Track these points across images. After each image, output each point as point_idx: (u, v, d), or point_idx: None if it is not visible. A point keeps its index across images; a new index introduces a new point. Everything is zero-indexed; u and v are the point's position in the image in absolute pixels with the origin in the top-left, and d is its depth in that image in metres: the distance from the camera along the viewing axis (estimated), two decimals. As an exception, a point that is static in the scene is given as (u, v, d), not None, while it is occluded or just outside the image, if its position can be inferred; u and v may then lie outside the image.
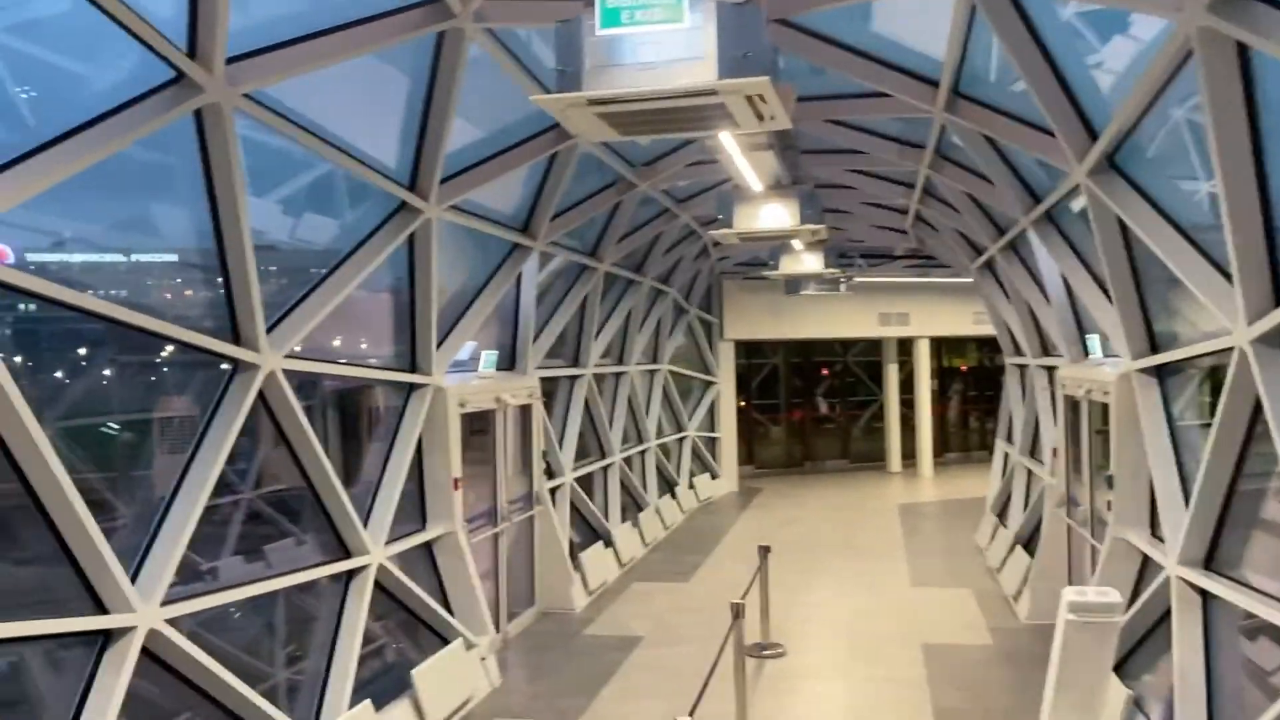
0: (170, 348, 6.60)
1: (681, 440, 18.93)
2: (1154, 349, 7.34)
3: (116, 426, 7.70)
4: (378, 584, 7.60)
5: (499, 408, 9.98)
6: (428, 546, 8.78)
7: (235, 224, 5.67)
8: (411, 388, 8.55)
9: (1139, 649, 7.13)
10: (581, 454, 13.64)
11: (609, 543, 13.02)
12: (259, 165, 8.27)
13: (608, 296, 14.29)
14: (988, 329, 22.03)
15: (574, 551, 11.84)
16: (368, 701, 6.72)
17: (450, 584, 8.80)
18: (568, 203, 10.38)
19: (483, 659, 8.60)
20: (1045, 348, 12.08)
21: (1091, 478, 8.90)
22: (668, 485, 17.29)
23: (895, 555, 13.79)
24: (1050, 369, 11.84)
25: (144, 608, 5.16)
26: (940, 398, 24.69)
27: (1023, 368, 14.09)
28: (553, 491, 11.88)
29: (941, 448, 24.48)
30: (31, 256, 6.05)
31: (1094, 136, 6.34)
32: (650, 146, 10.44)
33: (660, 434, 17.60)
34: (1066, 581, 9.97)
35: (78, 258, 6.82)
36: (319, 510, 7.18)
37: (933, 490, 20.37)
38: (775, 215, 8.95)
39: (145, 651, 5.22)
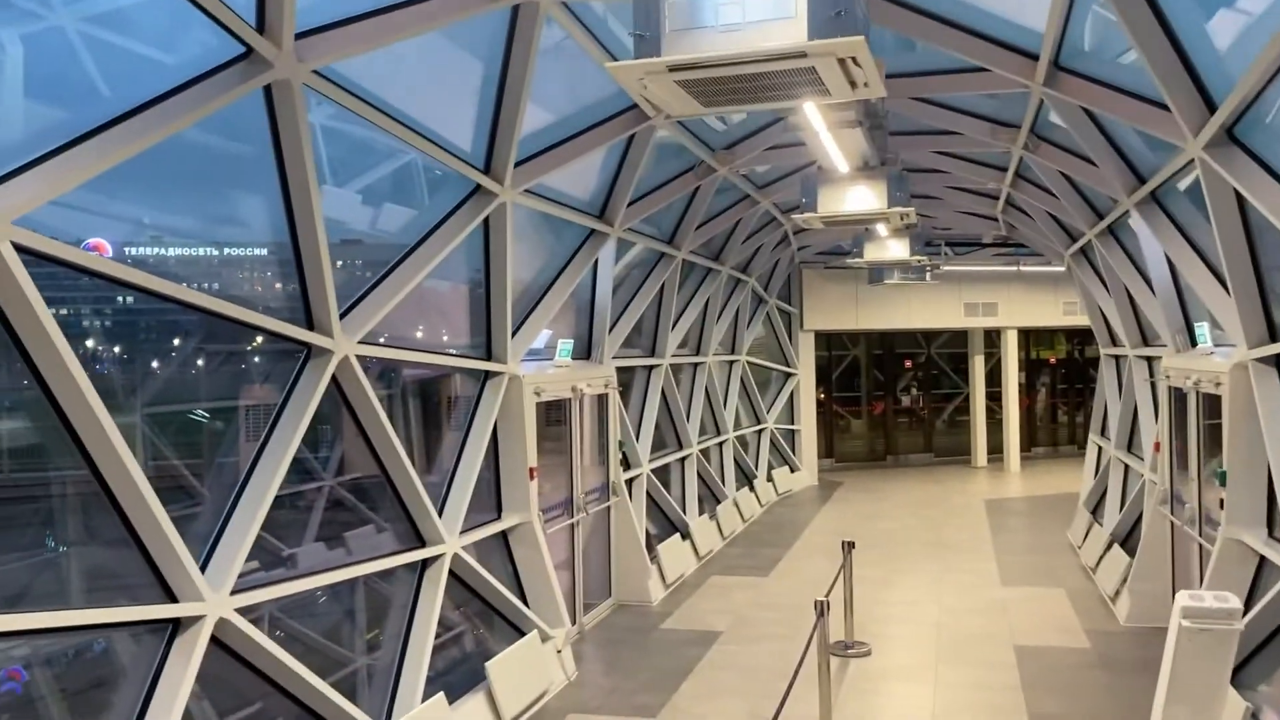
0: (259, 338, 6.58)
1: (760, 432, 18.61)
2: (1273, 337, 6.84)
3: (205, 414, 7.74)
4: (452, 573, 7.49)
5: (574, 397, 9.81)
6: (503, 536, 8.66)
7: (307, 204, 5.56)
8: (487, 376, 8.42)
9: (1255, 657, 6.65)
10: (658, 445, 13.44)
11: (686, 535, 12.80)
12: (339, 155, 8.25)
13: (685, 285, 14.05)
14: (1078, 320, 21.38)
15: (651, 544, 11.65)
16: (440, 695, 6.61)
17: (526, 574, 8.67)
18: (645, 188, 10.16)
19: (558, 651, 8.45)
20: (1145, 338, 11.50)
21: (1199, 474, 8.40)
22: (746, 478, 17.00)
23: (983, 552, 13.31)
24: (1151, 360, 11.28)
25: (213, 596, 5.08)
26: (1027, 391, 23.92)
27: (1119, 359, 13.49)
28: (629, 483, 11.70)
29: (1029, 442, 23.73)
30: (129, 250, 6.15)
31: (1212, 108, 5.89)
32: (730, 130, 10.18)
33: (738, 426, 17.31)
34: (1169, 583, 9.46)
35: (173, 251, 6.86)
36: (395, 498, 7.09)
37: (1020, 486, 19.71)
38: (862, 198, 8.58)
39: (215, 640, 5.15)
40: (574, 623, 9.76)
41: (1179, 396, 9.02)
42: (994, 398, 22.47)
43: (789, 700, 7.62)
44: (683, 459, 14.00)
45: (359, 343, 6.33)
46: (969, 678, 8.32)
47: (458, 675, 7.55)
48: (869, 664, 8.76)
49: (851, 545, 9.18)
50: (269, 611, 7.11)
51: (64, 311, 5.47)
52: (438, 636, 8.08)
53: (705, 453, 15.05)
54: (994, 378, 22.64)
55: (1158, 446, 9.62)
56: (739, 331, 17.35)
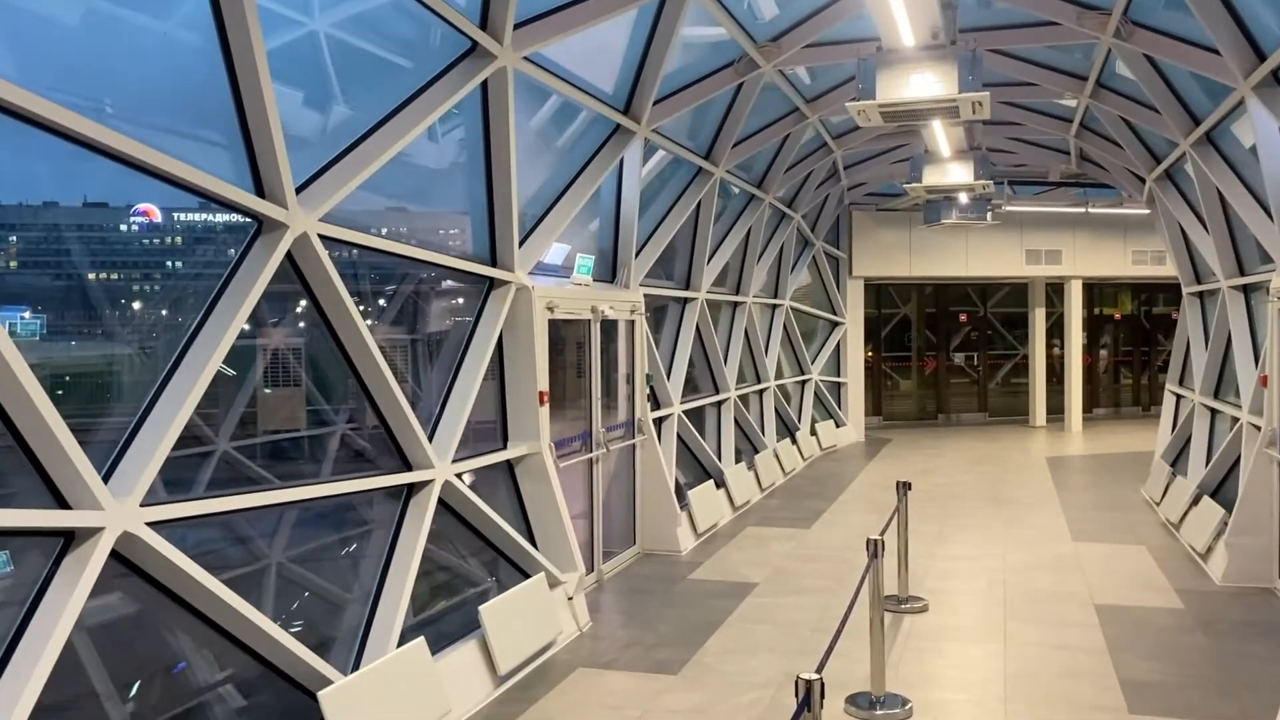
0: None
1: (804, 384, 17.42)
2: None
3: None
4: (445, 505, 6.47)
5: (594, 319, 8.72)
6: (509, 469, 7.63)
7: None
8: (490, 284, 7.36)
9: None
10: (692, 389, 12.35)
11: (721, 483, 11.71)
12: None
13: (725, 215, 12.89)
14: (1147, 270, 19.92)
15: (681, 491, 10.58)
16: (420, 640, 5.59)
17: (534, 512, 7.63)
18: (676, 84, 9.00)
19: (569, 599, 7.42)
20: (1241, 266, 10.16)
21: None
22: (787, 430, 15.84)
23: (1049, 508, 12.07)
24: (1249, 288, 9.96)
25: (116, 506, 4.06)
26: (1090, 349, 22.44)
27: (1204, 297, 12.14)
28: (658, 423, 10.63)
29: (1090, 403, 22.28)
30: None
31: None
32: (776, 20, 8.96)
33: (780, 375, 16.14)
34: (1276, 535, 8.22)
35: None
36: (375, 414, 6.06)
37: (1084, 445, 18.35)
38: (929, 82, 7.34)
39: (125, 562, 4.18)
40: (591, 570, 8.73)
41: (1296, 318, 7.74)
42: (1056, 360, 21.12)
43: (833, 657, 6.55)
44: (719, 404, 12.89)
45: (321, 221, 5.28)
46: (1045, 637, 7.16)
47: (455, 625, 6.56)
48: (926, 620, 7.64)
49: (907, 486, 8.04)
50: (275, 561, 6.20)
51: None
52: (434, 582, 7.16)
53: (744, 400, 13.93)
54: (1054, 335, 21.27)
55: (1265, 380, 8.34)
56: (782, 274, 16.13)
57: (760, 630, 7.42)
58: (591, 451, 8.75)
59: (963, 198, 15.21)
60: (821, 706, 3.64)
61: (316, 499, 5.72)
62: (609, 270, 9.65)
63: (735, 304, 13.92)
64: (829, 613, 7.66)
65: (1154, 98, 9.21)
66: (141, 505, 4.18)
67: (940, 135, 10.68)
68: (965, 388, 22.90)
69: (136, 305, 5.97)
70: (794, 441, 15.69)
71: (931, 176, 11.83)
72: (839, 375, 18.99)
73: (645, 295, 10.05)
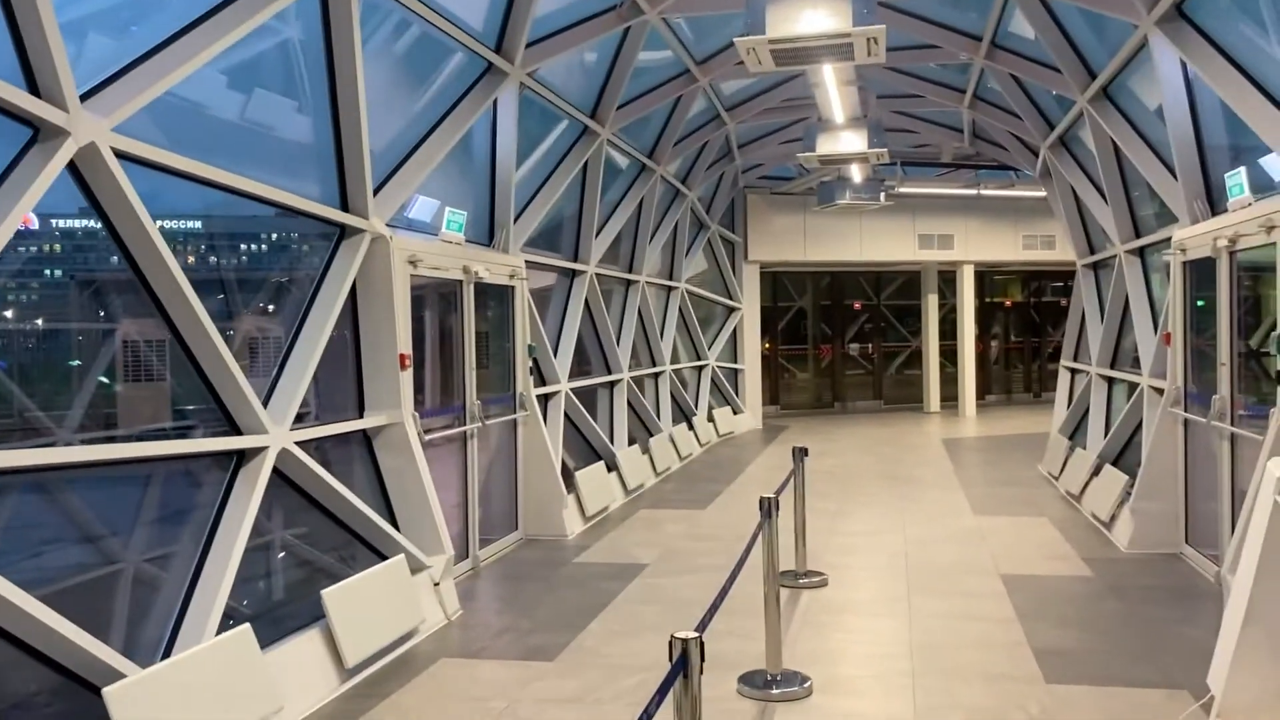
0: None
1: (700, 369, 16.90)
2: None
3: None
4: (282, 477, 5.65)
5: (467, 280, 7.96)
6: (366, 442, 6.82)
7: None
8: (342, 233, 6.55)
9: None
10: (582, 370, 11.67)
11: (612, 466, 11.05)
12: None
13: (614, 185, 12.25)
14: (1038, 254, 20.01)
15: (569, 474, 9.88)
16: (244, 629, 4.76)
17: (395, 489, 6.84)
18: (555, 26, 8.32)
19: (436, 584, 6.65)
20: (1137, 230, 9.95)
21: (1233, 355, 6.83)
22: (684, 416, 15.28)
23: (949, 485, 11.75)
24: (1144, 250, 9.75)
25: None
26: (981, 337, 22.49)
27: (1099, 267, 11.99)
28: (544, 401, 9.91)
29: (983, 390, 22.33)
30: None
31: None
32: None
33: (676, 360, 15.57)
34: (1181, 499, 7.93)
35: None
36: (193, 369, 5.21)
37: (978, 428, 18.26)
38: (820, 18, 6.86)
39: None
40: (466, 557, 7.97)
41: (1200, 270, 7.45)
42: (948, 347, 21.08)
43: (726, 635, 5.97)
44: (611, 384, 12.23)
45: (114, 131, 4.43)
46: (952, 609, 6.67)
47: (294, 610, 5.74)
48: (826, 595, 7.09)
49: (804, 452, 7.49)
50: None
51: None
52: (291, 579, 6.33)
53: (638, 384, 13.30)
54: (947, 324, 21.27)
55: (1168, 339, 8.05)
56: (677, 255, 15.58)
57: (648, 611, 6.77)
58: (465, 425, 7.98)
59: (856, 176, 14.99)
60: (701, 672, 2.99)
61: (129, 460, 4.85)
62: (486, 233, 8.90)
63: (628, 283, 13.29)
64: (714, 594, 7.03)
65: (1052, 52, 8.90)
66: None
67: (834, 96, 10.24)
68: (860, 377, 22.79)
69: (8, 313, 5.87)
70: (690, 427, 15.13)
71: (826, 145, 11.39)
72: (736, 362, 18.54)
73: (529, 265, 9.34)
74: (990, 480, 12.17)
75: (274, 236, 7.12)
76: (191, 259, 6.32)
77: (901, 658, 5.76)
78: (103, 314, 6.05)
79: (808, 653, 5.84)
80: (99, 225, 4.69)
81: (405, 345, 6.86)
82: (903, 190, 17.95)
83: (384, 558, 6.31)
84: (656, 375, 14.33)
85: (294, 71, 6.63)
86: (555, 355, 10.35)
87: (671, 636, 3.00)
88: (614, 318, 12.81)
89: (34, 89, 4.14)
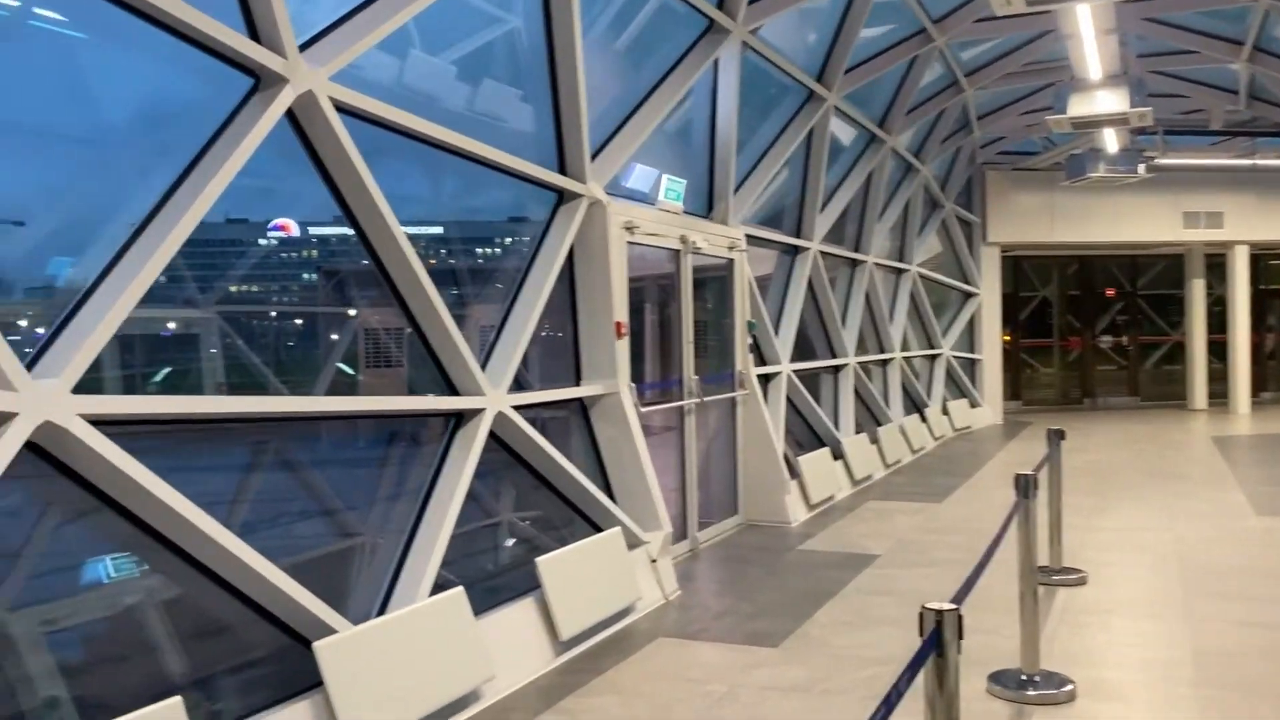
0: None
1: (934, 359, 15.93)
2: None
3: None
4: (499, 441, 5.52)
5: (684, 250, 7.66)
6: (583, 412, 6.63)
7: None
8: (560, 198, 6.39)
9: None
10: (806, 354, 11.15)
11: (838, 454, 10.47)
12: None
13: (839, 158, 11.66)
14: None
15: (792, 462, 9.40)
16: (458, 591, 4.62)
17: (611, 461, 6.61)
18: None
19: (653, 561, 6.36)
20: None
21: None
22: (915, 407, 14.42)
23: (1224, 483, 10.42)
24: None
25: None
26: (1256, 327, 20.14)
27: None
28: (765, 382, 9.49)
29: (1257, 386, 19.97)
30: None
31: None
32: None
33: (907, 347, 14.73)
34: None
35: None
36: (419, 337, 5.15)
37: (1253, 426, 16.29)
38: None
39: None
40: (685, 537, 7.66)
41: None
42: (1217, 340, 18.98)
43: (971, 632, 5.33)
44: (836, 369, 11.64)
45: (331, 80, 4.38)
46: (1236, 614, 5.75)
47: (510, 581, 5.59)
48: (1086, 594, 6.30)
49: (1060, 434, 6.70)
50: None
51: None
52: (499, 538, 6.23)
53: (866, 370, 12.62)
54: (1215, 314, 19.17)
55: None
56: (909, 236, 14.71)
57: (881, 602, 6.22)
58: (681, 400, 7.67)
59: (1111, 145, 13.66)
60: (959, 650, 2.50)
61: (351, 415, 4.84)
62: (705, 204, 8.57)
63: (855, 263, 12.63)
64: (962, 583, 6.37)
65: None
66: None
67: (1089, 48, 9.27)
68: (1113, 372, 20.95)
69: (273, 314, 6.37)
70: (923, 419, 14.25)
71: (1079, 106, 10.37)
72: (973, 352, 17.41)
73: (749, 240, 8.94)
74: (1276, 479, 10.71)
75: (508, 240, 7.15)
76: (433, 261, 6.43)
77: (1179, 664, 4.96)
78: (347, 306, 6.20)
79: (1067, 653, 5.13)
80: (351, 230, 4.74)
81: (622, 313, 6.62)
82: (1165, 162, 16.22)
83: (597, 528, 6.08)
84: (885, 363, 13.58)
85: (519, 60, 6.57)
86: (776, 335, 9.89)
87: (923, 608, 2.53)
88: (839, 300, 12.21)
89: (254, 36, 4.13)
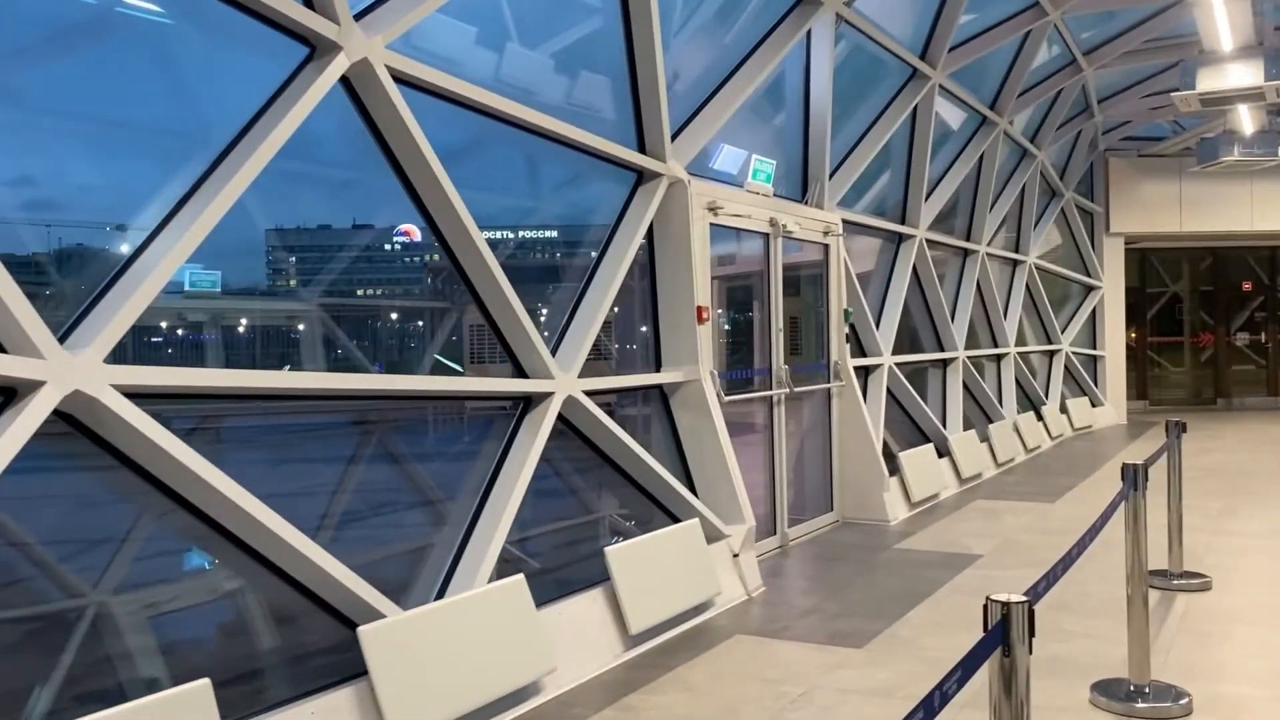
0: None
1: (1052, 355, 15.16)
2: None
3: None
4: (569, 425, 5.33)
5: (774, 234, 7.34)
6: (663, 400, 6.39)
7: None
8: (640, 178, 6.16)
9: None
10: (910, 344, 10.68)
11: (944, 451, 9.98)
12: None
13: (947, 141, 11.14)
14: None
15: (892, 458, 8.97)
16: (518, 579, 4.43)
17: (692, 450, 6.34)
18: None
19: (735, 556, 6.08)
20: None
21: None
22: (1031, 404, 13.71)
23: (1375, 488, 9.55)
24: None
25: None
26: None
27: None
28: (864, 375, 9.08)
29: None
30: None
31: None
32: None
33: (1022, 342, 14.03)
34: None
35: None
36: (487, 323, 5.00)
37: None
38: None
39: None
40: (774, 532, 7.35)
41: None
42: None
43: (1078, 638, 4.93)
44: (944, 363, 11.12)
45: (387, 49, 4.25)
46: (1388, 628, 5.16)
47: (582, 571, 5.39)
48: (1208, 600, 5.75)
49: (1181, 427, 6.16)
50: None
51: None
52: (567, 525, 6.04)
53: (976, 365, 12.04)
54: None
55: None
56: (1024, 225, 14.01)
57: (978, 604, 5.77)
58: (771, 390, 7.35)
59: (1246, 126, 12.74)
60: (1030, 650, 2.17)
61: (410, 395, 4.72)
62: (798, 188, 8.24)
63: (966, 253, 12.06)
64: (1071, 588, 5.90)
65: None
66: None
67: (1220, 14, 8.62)
68: (1250, 372, 19.64)
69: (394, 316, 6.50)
70: (1039, 417, 13.54)
71: (1208, 81, 9.68)
72: (1095, 348, 16.52)
73: (847, 225, 8.56)
74: None
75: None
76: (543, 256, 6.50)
77: (1323, 682, 4.43)
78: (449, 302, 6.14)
79: (1183, 665, 4.65)
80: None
81: (704, 297, 6.35)
82: (1307, 143, 15.09)
83: (676, 519, 5.83)
84: (999, 357, 12.94)
85: (613, 47, 6.39)
86: (878, 326, 9.47)
87: (988, 599, 2.21)
88: (948, 291, 11.68)
89: (309, 4, 4.02)
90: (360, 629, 3.68)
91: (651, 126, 6.07)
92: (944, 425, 10.49)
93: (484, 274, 4.79)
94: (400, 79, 4.34)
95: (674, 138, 6.38)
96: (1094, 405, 15.97)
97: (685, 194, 6.24)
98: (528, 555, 5.81)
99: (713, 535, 5.96)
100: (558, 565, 5.73)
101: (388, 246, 5.78)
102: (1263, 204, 16.27)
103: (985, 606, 2.22)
